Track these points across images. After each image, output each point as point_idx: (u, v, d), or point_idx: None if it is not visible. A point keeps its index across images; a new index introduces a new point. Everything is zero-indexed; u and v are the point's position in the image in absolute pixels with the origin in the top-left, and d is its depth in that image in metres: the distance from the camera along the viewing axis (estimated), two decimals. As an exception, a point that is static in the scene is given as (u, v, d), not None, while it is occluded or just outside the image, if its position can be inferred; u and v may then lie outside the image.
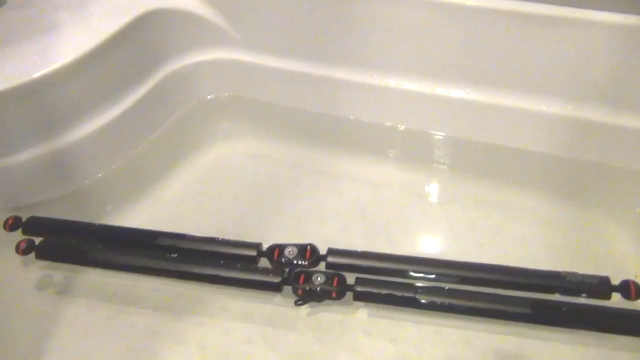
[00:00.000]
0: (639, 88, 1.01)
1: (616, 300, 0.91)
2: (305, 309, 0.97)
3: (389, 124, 1.24)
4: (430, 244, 1.10)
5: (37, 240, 1.04)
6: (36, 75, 0.96)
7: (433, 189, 1.20)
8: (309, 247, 0.97)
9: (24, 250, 1.02)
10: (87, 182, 1.14)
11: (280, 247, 0.98)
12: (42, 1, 1.13)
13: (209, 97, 1.34)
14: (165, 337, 0.96)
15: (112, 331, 0.97)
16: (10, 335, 0.98)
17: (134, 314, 0.99)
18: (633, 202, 1.10)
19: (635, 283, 0.90)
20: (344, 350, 0.92)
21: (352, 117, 1.26)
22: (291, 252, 0.97)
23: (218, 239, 1.01)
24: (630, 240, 1.05)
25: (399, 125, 1.24)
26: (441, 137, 1.22)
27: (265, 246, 1.00)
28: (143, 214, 1.15)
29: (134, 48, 1.12)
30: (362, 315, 0.97)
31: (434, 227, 1.12)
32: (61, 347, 0.95)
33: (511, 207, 1.14)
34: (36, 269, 1.06)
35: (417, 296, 0.91)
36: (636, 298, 0.90)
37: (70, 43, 1.02)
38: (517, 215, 1.12)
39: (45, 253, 1.03)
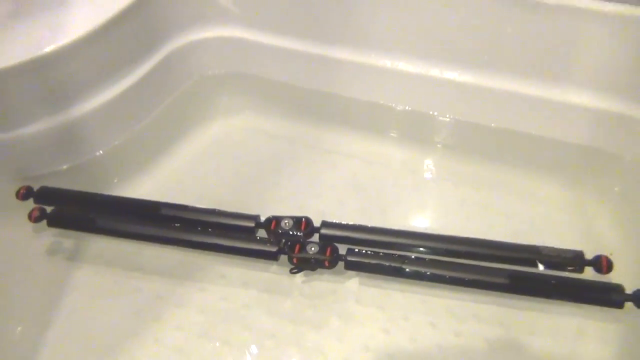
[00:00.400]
0: (622, 75, 1.04)
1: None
2: (300, 277, 1.02)
3: (385, 102, 1.26)
4: (421, 217, 1.14)
5: (47, 209, 1.08)
6: (47, 50, 0.98)
7: (426, 166, 1.23)
8: (304, 220, 1.02)
9: (36, 217, 1.06)
10: (94, 154, 1.17)
11: (277, 219, 1.02)
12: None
13: (211, 73, 1.35)
14: (168, 301, 1.01)
15: (119, 295, 1.03)
16: (22, 297, 1.03)
17: (139, 279, 1.04)
18: (613, 182, 1.14)
19: (606, 258, 0.95)
20: (335, 316, 0.98)
21: (349, 95, 1.28)
22: (287, 224, 1.01)
23: (218, 210, 1.05)
24: (609, 218, 1.09)
25: (394, 105, 1.26)
26: (435, 117, 1.24)
27: (262, 218, 1.04)
28: (147, 185, 1.19)
29: (139, 25, 1.13)
30: (353, 284, 1.02)
31: (425, 202, 1.16)
32: (70, 309, 1.00)
33: (499, 184, 1.17)
34: (47, 236, 1.10)
35: (404, 266, 0.96)
36: (607, 272, 0.95)
37: (79, 19, 1.03)
38: (504, 191, 1.16)
39: (56, 221, 1.07)
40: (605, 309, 0.94)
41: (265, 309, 0.99)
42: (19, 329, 0.99)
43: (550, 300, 0.97)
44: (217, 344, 0.95)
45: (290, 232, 1.00)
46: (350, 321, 0.97)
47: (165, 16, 1.19)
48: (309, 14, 1.20)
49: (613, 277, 0.97)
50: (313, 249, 0.98)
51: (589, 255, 0.98)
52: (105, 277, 1.05)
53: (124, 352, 0.95)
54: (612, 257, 1.00)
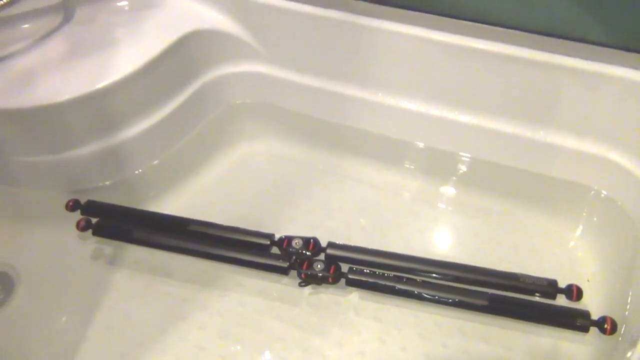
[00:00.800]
0: (597, 122, 1.13)
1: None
2: (307, 289, 1.12)
3: (390, 135, 1.34)
4: (417, 240, 1.22)
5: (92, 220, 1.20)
6: (98, 86, 1.10)
7: (425, 195, 1.31)
8: (312, 240, 1.12)
9: (83, 227, 1.18)
10: (134, 172, 1.28)
11: (289, 239, 1.13)
12: (102, 18, 1.28)
13: (238, 102, 1.46)
14: (192, 304, 1.11)
15: (150, 296, 1.13)
16: (69, 293, 1.15)
17: (168, 284, 1.15)
18: (592, 214, 1.22)
19: (577, 287, 1.05)
20: (336, 325, 1.08)
21: (359, 127, 1.36)
22: (297, 243, 1.12)
23: (238, 228, 1.16)
24: (588, 247, 1.17)
25: (398, 137, 1.34)
26: (438, 151, 1.33)
27: (277, 236, 1.15)
28: (179, 201, 1.30)
29: (177, 62, 1.24)
30: (354, 297, 1.11)
31: (421, 227, 1.24)
32: (109, 307, 1.11)
33: (489, 213, 1.26)
34: (91, 243, 1.21)
35: (397, 286, 1.07)
36: (577, 300, 1.04)
37: (126, 59, 1.16)
38: (493, 220, 1.25)
39: (100, 231, 1.19)
40: (579, 333, 1.02)
41: (276, 316, 1.09)
42: (64, 318, 1.11)
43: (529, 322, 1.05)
44: (233, 343, 1.05)
45: (300, 251, 1.11)
46: (350, 329, 1.07)
47: (200, 54, 1.30)
48: (324, 55, 1.29)
49: (588, 303, 1.06)
50: (319, 266, 1.09)
51: (565, 282, 1.07)
52: (140, 280, 1.16)
53: (154, 346, 1.05)
54: (589, 284, 1.09)
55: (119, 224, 1.22)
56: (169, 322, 1.09)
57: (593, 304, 1.07)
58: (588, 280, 1.11)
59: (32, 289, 1.15)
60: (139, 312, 1.11)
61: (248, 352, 1.05)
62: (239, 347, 1.05)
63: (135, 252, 1.21)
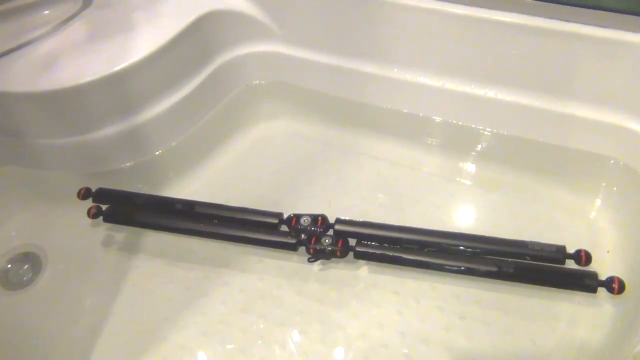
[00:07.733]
0: (615, 90, 1.11)
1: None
2: (317, 265, 1.14)
3: (406, 110, 1.35)
4: (435, 215, 1.22)
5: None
6: (118, 68, 1.13)
7: (443, 169, 1.31)
8: (320, 217, 1.14)
9: (94, 214, 1.21)
10: (154, 153, 1.30)
11: (297, 216, 1.14)
12: (120, 2, 1.30)
13: (255, 82, 1.48)
14: (214, 280, 1.14)
15: (172, 274, 1.16)
16: (94, 272, 1.18)
17: (189, 263, 1.18)
18: (611, 184, 1.20)
19: (586, 252, 1.04)
20: (355, 298, 1.09)
21: (376, 104, 1.37)
22: (306, 221, 1.14)
23: (247, 208, 1.18)
24: (608, 218, 1.16)
25: (415, 112, 1.34)
26: (451, 125, 1.32)
27: (293, 212, 1.16)
28: (199, 181, 1.32)
29: (195, 43, 1.26)
30: (366, 272, 1.12)
31: (440, 201, 1.24)
32: (133, 284, 1.15)
33: (506, 185, 1.25)
34: (102, 230, 1.25)
35: (404, 255, 1.08)
36: (586, 264, 1.04)
37: (144, 40, 1.18)
38: (512, 194, 1.24)
39: (111, 217, 1.22)
40: (597, 296, 1.02)
41: (295, 290, 1.11)
42: (90, 296, 1.14)
43: (547, 289, 1.04)
44: (255, 317, 1.07)
45: (308, 228, 1.13)
46: (368, 303, 1.08)
47: (216, 35, 1.32)
48: (340, 33, 1.30)
49: (609, 274, 1.03)
50: (327, 241, 1.11)
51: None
52: (159, 261, 1.19)
53: (178, 320, 1.08)
54: (609, 254, 1.08)
55: (130, 209, 1.24)
56: (191, 297, 1.12)
57: (615, 274, 1.04)
58: (608, 252, 1.10)
59: (59, 268, 1.19)
60: (162, 289, 1.14)
61: (269, 325, 1.07)
62: (260, 321, 1.07)
63: (150, 236, 1.24)
